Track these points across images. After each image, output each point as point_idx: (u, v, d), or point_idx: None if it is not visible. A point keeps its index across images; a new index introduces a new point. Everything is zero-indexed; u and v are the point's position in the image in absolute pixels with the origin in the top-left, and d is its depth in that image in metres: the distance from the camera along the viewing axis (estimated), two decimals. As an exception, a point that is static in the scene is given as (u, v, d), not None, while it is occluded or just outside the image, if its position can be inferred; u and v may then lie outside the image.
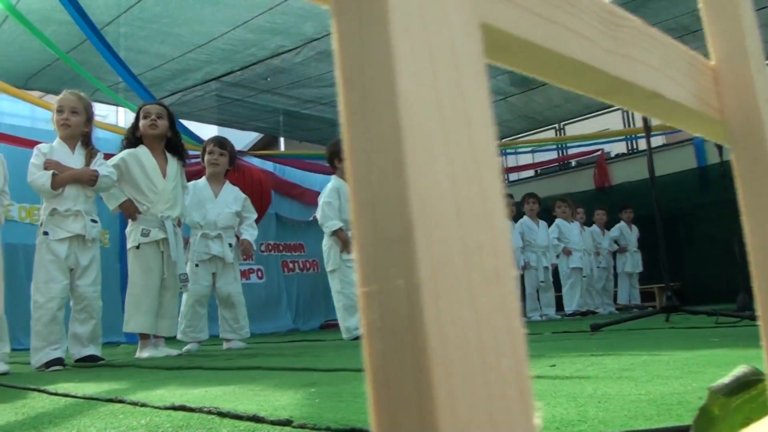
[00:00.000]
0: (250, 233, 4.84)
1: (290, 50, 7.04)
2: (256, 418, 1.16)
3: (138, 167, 4.07)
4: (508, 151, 11.21)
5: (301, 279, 9.64)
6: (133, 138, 4.19)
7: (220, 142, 4.82)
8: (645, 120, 4.47)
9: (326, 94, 8.60)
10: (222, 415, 1.24)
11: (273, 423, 1.11)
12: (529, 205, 7.72)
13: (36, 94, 7.60)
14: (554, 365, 1.96)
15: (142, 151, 4.12)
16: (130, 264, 4.06)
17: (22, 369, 3.60)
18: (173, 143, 4.25)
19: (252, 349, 4.38)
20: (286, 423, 1.09)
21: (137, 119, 4.21)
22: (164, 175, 4.12)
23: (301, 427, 1.05)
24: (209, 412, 1.28)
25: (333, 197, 4.90)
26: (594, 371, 1.79)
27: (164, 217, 4.04)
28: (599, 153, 10.10)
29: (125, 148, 4.18)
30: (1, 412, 1.58)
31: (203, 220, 4.63)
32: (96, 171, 3.65)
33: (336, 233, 4.87)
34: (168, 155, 4.20)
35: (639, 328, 3.95)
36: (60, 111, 3.69)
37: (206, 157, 4.73)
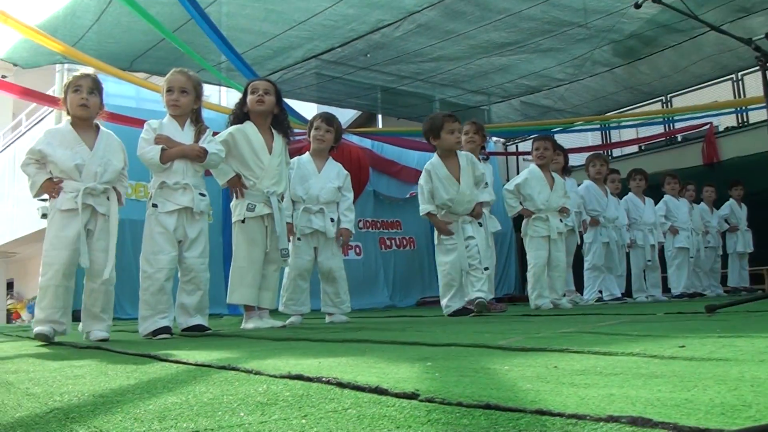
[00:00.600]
0: (348, 220, 4.76)
1: (390, 24, 6.97)
2: (379, 390, 1.10)
3: (245, 143, 4.08)
4: (612, 125, 10.79)
5: (398, 256, 9.65)
6: (240, 113, 4.20)
7: (328, 119, 4.79)
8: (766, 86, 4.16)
9: (424, 70, 8.49)
10: (342, 385, 1.19)
11: (398, 396, 1.04)
12: (636, 181, 7.38)
13: (141, 75, 7.84)
14: (683, 346, 1.82)
15: (249, 127, 4.13)
16: (235, 237, 4.10)
17: (131, 337, 3.71)
18: (279, 120, 4.24)
19: (355, 323, 4.37)
20: (412, 396, 1.02)
21: (245, 95, 4.22)
22: (270, 151, 4.12)
23: (429, 401, 0.98)
24: (328, 383, 1.23)
25: (425, 180, 4.84)
26: (730, 353, 1.64)
27: (270, 192, 4.04)
28: (707, 126, 9.56)
29: (232, 123, 4.21)
30: (113, 377, 1.59)
31: (306, 194, 4.63)
32: (204, 148, 3.69)
33: (428, 217, 4.82)
34: (274, 132, 4.20)
35: (757, 310, 3.70)
36: (170, 91, 3.73)
37: (312, 132, 4.72)
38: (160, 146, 3.59)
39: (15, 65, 7.96)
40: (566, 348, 1.78)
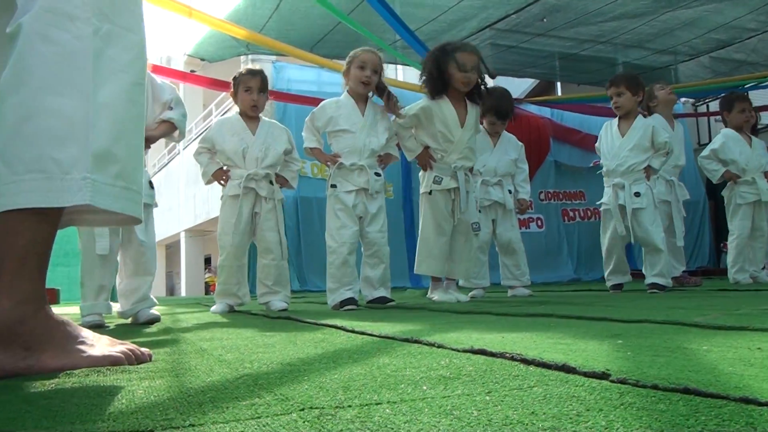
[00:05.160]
0: (525, 191, 4.79)
1: (567, -17, 6.68)
2: (566, 368, 1.05)
3: (437, 117, 3.95)
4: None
5: (582, 228, 9.33)
6: (438, 84, 3.96)
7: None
8: None
9: (605, 31, 8.04)
10: (527, 362, 1.15)
11: (587, 375, 0.99)
12: None
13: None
14: None
15: (444, 101, 3.95)
16: (422, 209, 4.07)
17: (319, 308, 3.90)
18: (475, 91, 4.01)
19: (538, 297, 4.29)
20: (603, 376, 0.97)
21: (442, 63, 3.94)
22: (462, 125, 3.95)
23: (621, 382, 0.92)
24: (513, 359, 1.20)
25: None
26: None
27: (457, 167, 3.96)
28: None
29: (429, 92, 3.99)
30: (301, 346, 1.65)
31: (483, 167, 4.62)
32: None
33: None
34: (468, 104, 4.00)
35: None
36: (362, 68, 3.80)
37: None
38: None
39: (202, 60, 8.55)
40: (772, 327, 1.63)
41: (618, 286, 4.66)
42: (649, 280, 4.40)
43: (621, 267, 4.64)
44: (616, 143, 4.61)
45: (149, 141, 3.24)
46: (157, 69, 5.37)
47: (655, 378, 0.91)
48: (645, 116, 4.75)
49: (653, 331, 1.65)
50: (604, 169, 4.74)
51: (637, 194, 4.43)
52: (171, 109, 3.32)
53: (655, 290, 4.31)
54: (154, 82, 3.31)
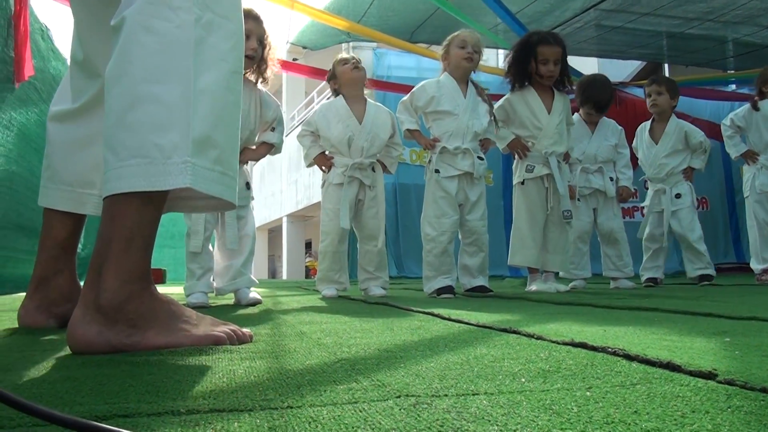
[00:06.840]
0: (627, 177, 4.65)
1: (675, -39, 6.36)
2: (671, 366, 1.01)
3: (524, 106, 4.00)
4: None
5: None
6: (518, 78, 4.05)
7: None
8: None
9: (714, 8, 7.58)
10: (630, 358, 1.12)
11: (692, 374, 0.96)
12: None
13: (421, 46, 8.09)
14: None
15: (528, 90, 4.02)
16: (516, 199, 4.08)
17: (416, 295, 3.91)
18: (560, 79, 4.02)
19: (641, 290, 4.16)
20: (709, 376, 0.93)
21: (527, 55, 3.98)
22: (549, 111, 3.97)
23: (729, 383, 0.88)
24: (615, 354, 1.17)
25: None
26: None
27: (548, 153, 3.94)
28: None
29: (512, 84, 4.08)
30: (398, 332, 1.66)
31: (582, 155, 4.52)
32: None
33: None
34: (555, 92, 4.04)
35: None
36: (463, 46, 3.79)
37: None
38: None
39: (304, 48, 8.71)
40: None
41: (652, 280, 4.82)
42: (695, 273, 4.74)
43: (655, 263, 4.86)
44: (652, 151, 4.90)
45: (251, 159, 3.46)
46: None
47: (764, 381, 0.87)
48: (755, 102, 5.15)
49: (762, 330, 1.57)
50: (646, 175, 5.03)
51: (678, 195, 4.77)
52: (273, 130, 3.44)
53: (705, 282, 4.62)
54: (263, 98, 3.41)
